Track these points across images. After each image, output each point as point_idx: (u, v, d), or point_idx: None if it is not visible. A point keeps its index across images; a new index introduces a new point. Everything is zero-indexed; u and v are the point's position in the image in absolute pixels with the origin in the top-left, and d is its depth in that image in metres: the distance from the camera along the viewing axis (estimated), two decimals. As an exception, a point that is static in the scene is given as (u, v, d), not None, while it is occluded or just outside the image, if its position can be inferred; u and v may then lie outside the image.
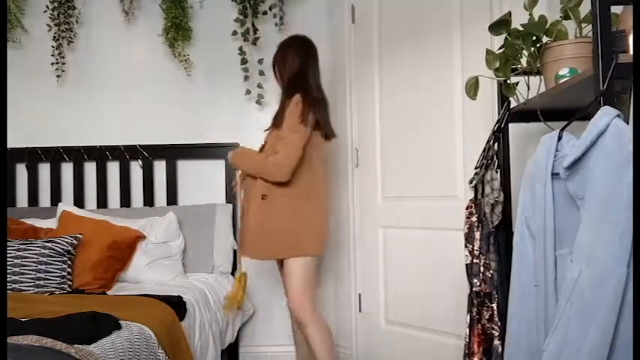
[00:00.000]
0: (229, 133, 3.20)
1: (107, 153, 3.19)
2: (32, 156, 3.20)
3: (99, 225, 2.78)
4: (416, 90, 2.67)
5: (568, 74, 1.51)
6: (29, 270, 2.43)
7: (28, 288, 2.40)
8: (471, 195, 1.94)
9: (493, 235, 1.85)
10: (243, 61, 3.11)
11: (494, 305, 1.82)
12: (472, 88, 1.78)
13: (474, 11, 2.41)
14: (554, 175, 1.36)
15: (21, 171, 3.24)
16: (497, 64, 1.71)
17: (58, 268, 2.47)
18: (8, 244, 2.48)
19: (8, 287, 2.37)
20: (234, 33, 3.13)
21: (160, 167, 3.23)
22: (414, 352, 2.69)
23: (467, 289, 1.91)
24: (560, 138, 1.38)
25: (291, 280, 2.42)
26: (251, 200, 2.44)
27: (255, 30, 3.11)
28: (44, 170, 3.24)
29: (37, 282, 2.42)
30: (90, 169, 3.24)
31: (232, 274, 3.10)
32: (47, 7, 3.12)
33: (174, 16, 3.09)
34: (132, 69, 3.28)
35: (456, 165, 2.50)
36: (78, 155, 3.20)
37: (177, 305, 2.22)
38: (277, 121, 2.44)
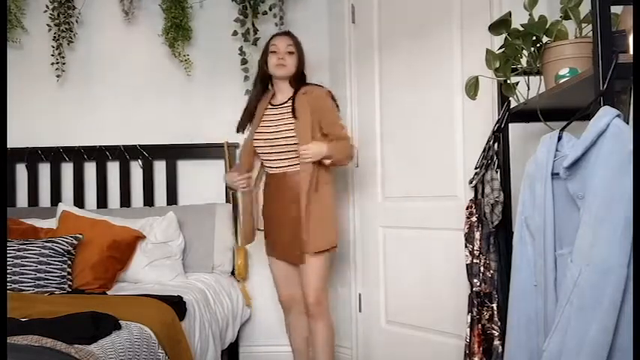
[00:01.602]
0: (229, 133, 3.19)
1: (107, 153, 3.19)
2: (32, 156, 3.20)
3: (99, 225, 2.78)
4: (416, 90, 2.67)
5: (568, 74, 1.51)
6: (29, 270, 2.43)
7: (28, 288, 2.40)
8: (471, 195, 1.95)
9: (493, 235, 1.85)
10: (243, 62, 3.11)
11: (495, 305, 1.82)
12: (472, 88, 1.78)
13: (474, 11, 2.41)
14: (554, 175, 1.36)
15: (21, 171, 3.24)
16: (497, 64, 1.71)
17: (58, 268, 2.47)
18: (8, 244, 2.48)
19: (8, 287, 2.37)
20: (235, 33, 3.13)
21: (159, 167, 3.23)
22: (414, 352, 2.69)
23: (467, 289, 1.91)
24: (560, 138, 1.38)
25: (314, 276, 2.40)
26: (293, 197, 2.37)
27: (256, 30, 3.11)
28: (44, 170, 3.24)
29: (37, 282, 2.42)
30: (90, 169, 3.24)
31: (232, 273, 3.11)
32: (47, 7, 3.12)
33: (174, 16, 3.09)
34: (132, 69, 3.28)
35: (456, 165, 2.49)
36: (78, 155, 3.19)
37: (177, 305, 2.22)
38: (295, 112, 2.41)
